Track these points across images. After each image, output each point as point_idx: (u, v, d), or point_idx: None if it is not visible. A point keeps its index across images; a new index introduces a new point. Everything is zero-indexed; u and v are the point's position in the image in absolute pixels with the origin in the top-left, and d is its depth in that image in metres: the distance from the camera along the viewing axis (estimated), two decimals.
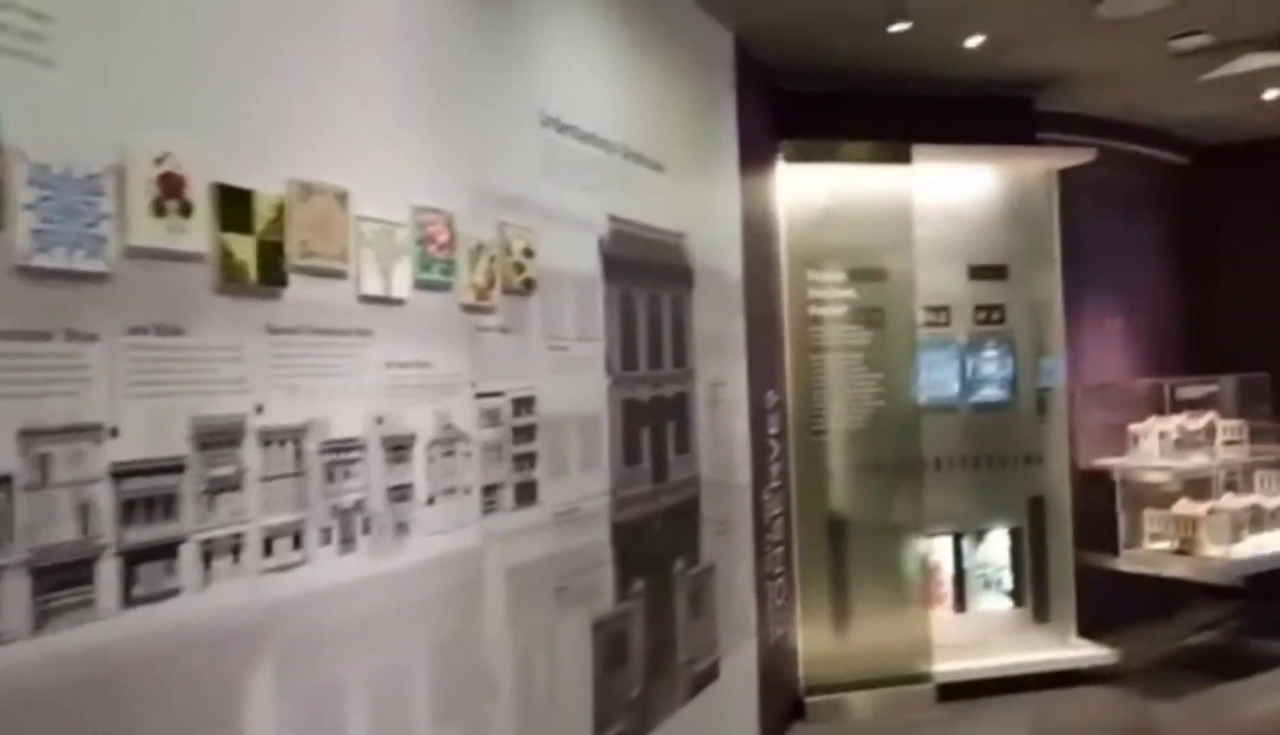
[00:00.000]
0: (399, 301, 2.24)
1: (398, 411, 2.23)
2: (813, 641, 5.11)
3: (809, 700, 5.04)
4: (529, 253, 2.74)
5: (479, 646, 2.49)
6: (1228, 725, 4.94)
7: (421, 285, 2.32)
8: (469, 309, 2.50)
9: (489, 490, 2.54)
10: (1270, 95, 5.97)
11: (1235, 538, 5.64)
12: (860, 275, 5.35)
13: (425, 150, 2.39)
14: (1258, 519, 5.82)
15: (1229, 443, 6.14)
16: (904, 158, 5.33)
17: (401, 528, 2.22)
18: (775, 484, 4.84)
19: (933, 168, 5.47)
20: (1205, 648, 6.31)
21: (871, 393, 5.33)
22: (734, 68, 4.49)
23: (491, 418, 2.57)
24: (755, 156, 4.78)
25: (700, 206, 4.07)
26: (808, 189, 5.26)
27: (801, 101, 5.33)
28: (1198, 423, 6.05)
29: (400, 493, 2.22)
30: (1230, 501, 5.79)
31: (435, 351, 2.37)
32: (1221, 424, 6.11)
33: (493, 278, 2.58)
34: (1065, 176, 5.80)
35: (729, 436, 4.25)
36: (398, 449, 2.23)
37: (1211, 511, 5.61)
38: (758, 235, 4.78)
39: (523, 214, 2.74)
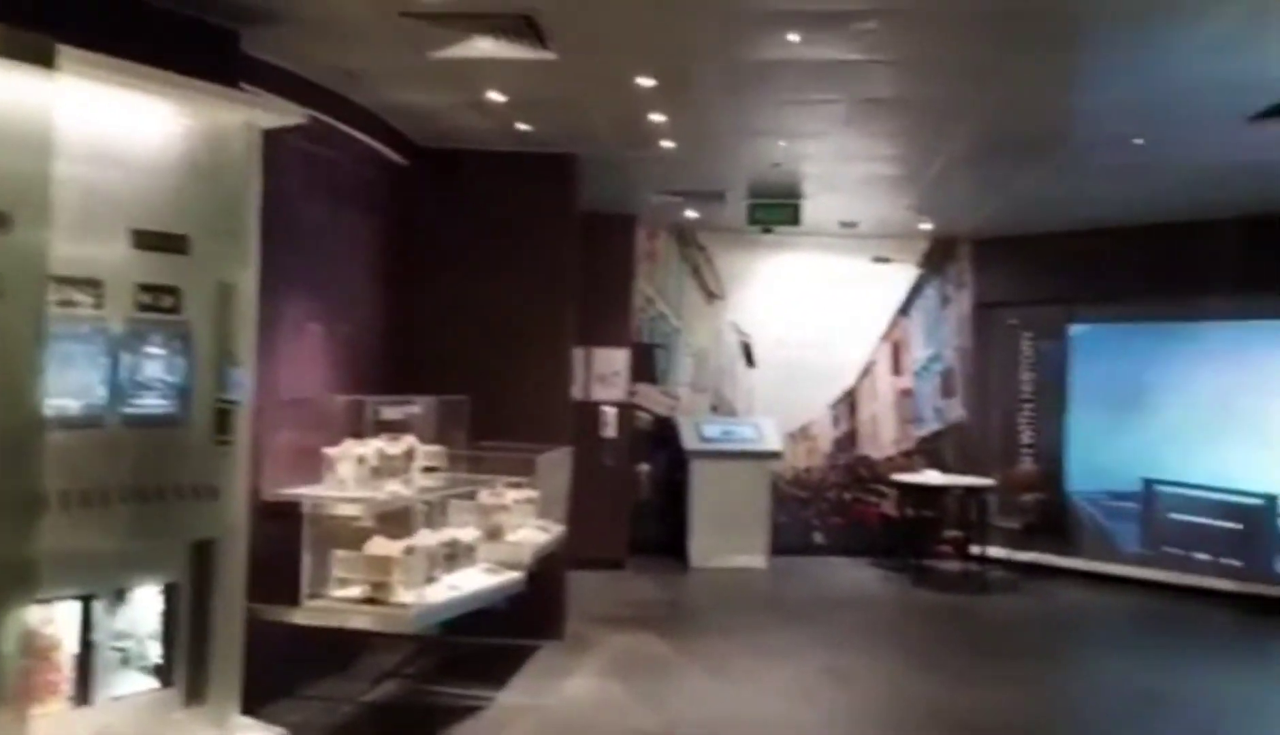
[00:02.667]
0: None
1: None
2: None
3: None
4: None
5: None
6: None
7: None
8: None
9: None
10: (493, 96, 5.58)
11: (430, 579, 5.02)
12: None
13: None
14: (453, 556, 5.30)
15: (428, 469, 5.58)
16: (45, 58, 3.66)
17: None
18: None
19: (90, 87, 3.91)
20: (388, 702, 5.62)
21: None
22: None
23: None
24: None
25: None
26: None
27: None
28: (397, 447, 5.37)
29: None
30: (426, 538, 5.16)
31: None
32: (422, 449, 5.53)
33: None
34: (273, 150, 4.68)
35: None
36: None
37: (408, 551, 4.90)
38: None
39: None
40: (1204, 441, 9.16)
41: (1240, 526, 8.96)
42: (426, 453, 5.56)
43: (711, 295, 10.60)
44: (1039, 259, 9.94)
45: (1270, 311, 8.84)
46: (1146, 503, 9.57)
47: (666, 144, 6.56)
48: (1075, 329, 10.15)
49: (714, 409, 10.54)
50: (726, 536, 9.63)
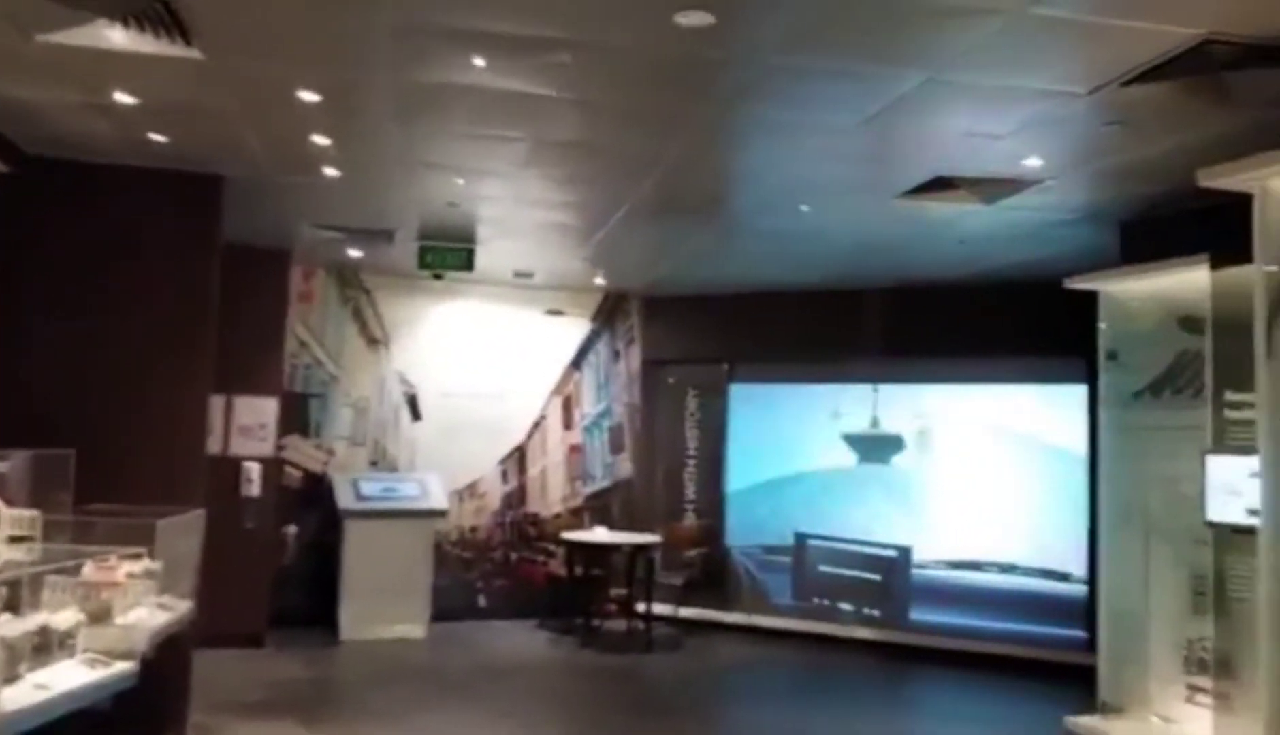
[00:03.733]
0: None
1: None
2: None
3: None
4: None
5: None
6: None
7: None
8: None
9: None
10: (122, 98, 4.74)
11: (11, 677, 4.03)
12: None
13: None
14: (44, 647, 4.31)
15: (17, 539, 4.60)
16: None
17: None
18: None
19: None
20: None
21: None
22: None
23: None
24: None
25: None
26: None
27: None
28: None
29: None
30: (8, 626, 4.16)
31: None
32: (9, 514, 4.54)
33: None
34: None
35: None
36: None
37: None
38: None
39: None
40: (848, 496, 9.71)
41: (879, 577, 9.53)
42: (15, 518, 4.57)
43: (375, 342, 9.92)
44: (704, 318, 10.22)
45: (903, 376, 9.55)
46: (798, 556, 9.96)
47: (330, 172, 5.95)
48: (735, 388, 10.48)
49: (374, 464, 9.80)
50: (383, 604, 8.91)
